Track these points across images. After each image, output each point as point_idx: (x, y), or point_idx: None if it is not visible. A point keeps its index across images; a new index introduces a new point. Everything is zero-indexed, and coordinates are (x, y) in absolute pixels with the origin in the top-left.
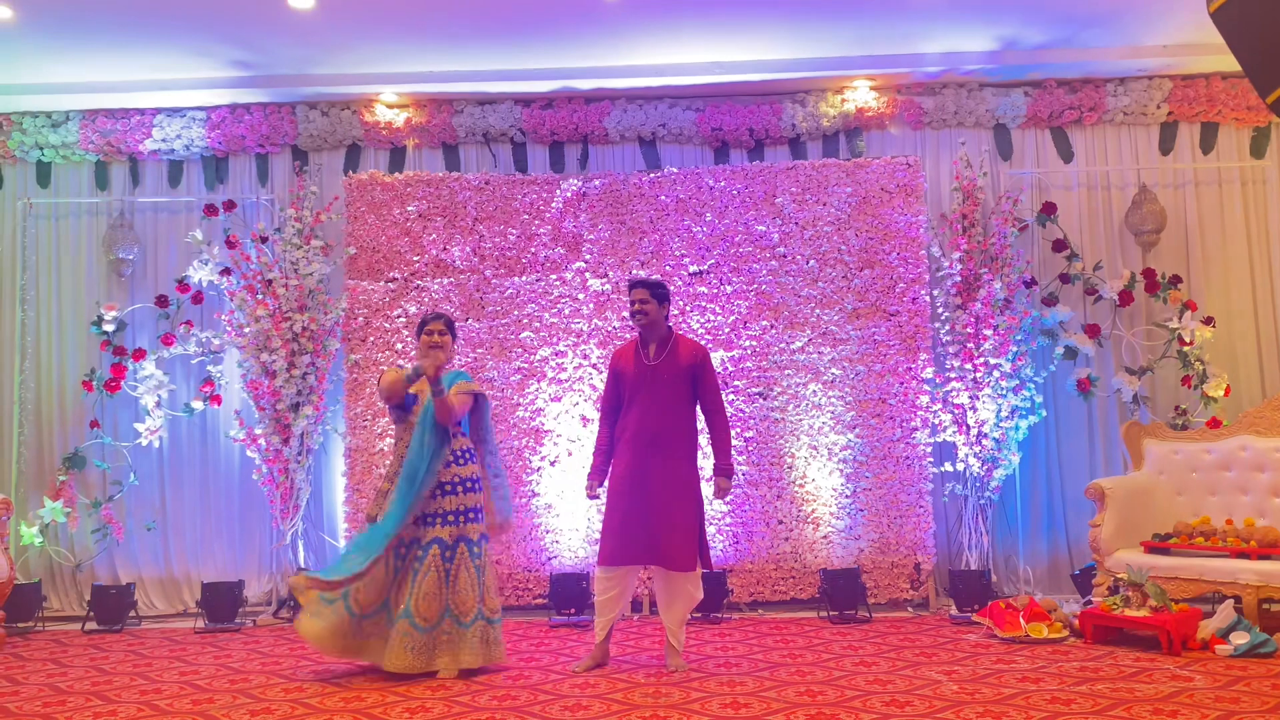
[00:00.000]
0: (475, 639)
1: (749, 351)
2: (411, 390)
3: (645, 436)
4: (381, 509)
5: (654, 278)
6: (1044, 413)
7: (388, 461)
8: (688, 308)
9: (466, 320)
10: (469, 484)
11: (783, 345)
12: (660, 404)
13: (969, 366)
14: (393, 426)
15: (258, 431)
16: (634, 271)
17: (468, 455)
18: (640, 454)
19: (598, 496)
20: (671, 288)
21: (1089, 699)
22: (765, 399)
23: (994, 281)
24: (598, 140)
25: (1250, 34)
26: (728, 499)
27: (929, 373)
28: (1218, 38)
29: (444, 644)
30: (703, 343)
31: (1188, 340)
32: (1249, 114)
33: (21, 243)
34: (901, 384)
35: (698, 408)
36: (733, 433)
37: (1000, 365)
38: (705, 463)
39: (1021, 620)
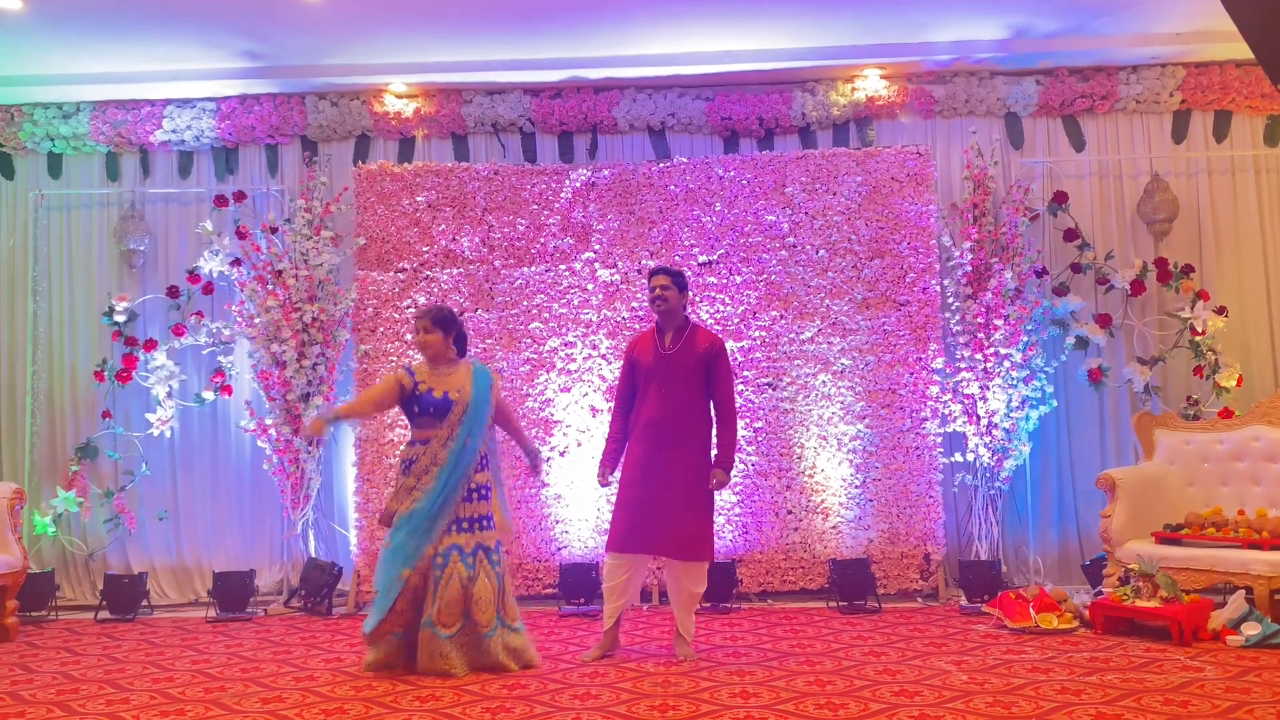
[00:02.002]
0: (499, 648)
1: (758, 342)
2: (449, 395)
3: (659, 425)
4: (404, 505)
5: (674, 266)
6: (1055, 403)
7: (399, 457)
8: (697, 298)
9: (476, 311)
10: (484, 491)
11: (792, 335)
12: (675, 393)
13: (979, 356)
14: (403, 418)
15: (268, 422)
16: (644, 261)
17: (484, 461)
18: (653, 443)
19: (609, 484)
20: None
21: (1099, 689)
22: (775, 389)
23: (1005, 271)
24: (607, 130)
25: (1263, 19)
26: (733, 490)
27: (939, 363)
28: (1231, 25)
29: (468, 648)
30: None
31: (1200, 330)
32: (1263, 102)
33: (33, 234)
34: (911, 374)
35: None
36: (742, 423)
37: (1011, 355)
38: None
39: (1031, 611)
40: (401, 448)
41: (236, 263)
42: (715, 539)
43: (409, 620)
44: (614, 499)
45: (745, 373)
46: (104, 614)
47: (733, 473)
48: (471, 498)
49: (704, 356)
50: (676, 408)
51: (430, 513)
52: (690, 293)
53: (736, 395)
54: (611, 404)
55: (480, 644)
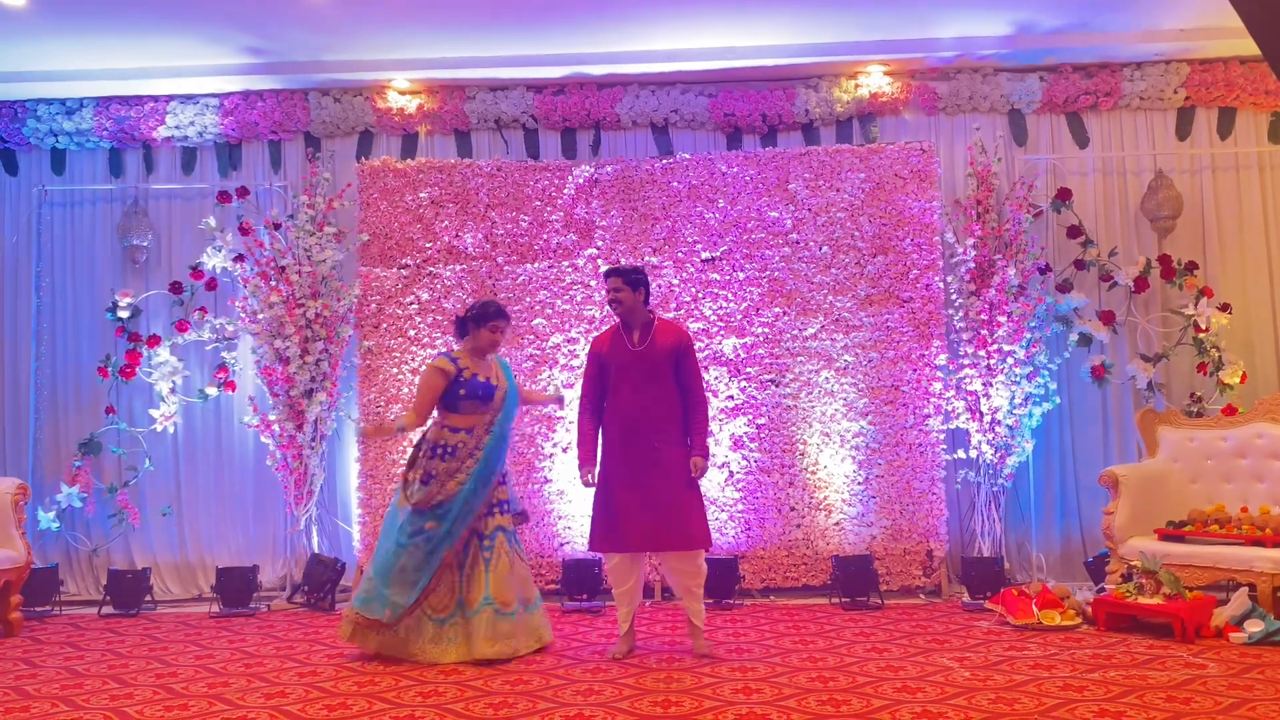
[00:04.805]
0: (524, 628)
1: (761, 338)
2: (491, 381)
3: (635, 422)
4: (446, 489)
5: (628, 265)
6: (1058, 399)
7: (428, 443)
8: (700, 294)
9: None
10: (505, 476)
11: (795, 332)
12: (649, 389)
13: (982, 353)
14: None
15: (271, 417)
16: (647, 258)
17: None
18: (632, 440)
19: (592, 484)
20: (684, 274)
21: (1101, 686)
22: (777, 386)
23: (1008, 268)
24: (610, 126)
25: (1269, 15)
26: (736, 486)
27: (942, 359)
28: (1236, 21)
29: (524, 629)
30: (713, 329)
31: (1203, 327)
32: (1267, 99)
33: (36, 230)
34: (914, 371)
35: None
36: (745, 419)
37: (1014, 352)
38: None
39: (1034, 607)
40: (427, 434)
41: (240, 259)
42: (718, 535)
43: (444, 604)
44: (595, 497)
45: (748, 369)
46: (108, 609)
47: (735, 470)
48: (505, 481)
49: (672, 351)
50: (652, 402)
51: (472, 495)
52: (648, 289)
53: (739, 392)
54: None
55: (529, 620)
